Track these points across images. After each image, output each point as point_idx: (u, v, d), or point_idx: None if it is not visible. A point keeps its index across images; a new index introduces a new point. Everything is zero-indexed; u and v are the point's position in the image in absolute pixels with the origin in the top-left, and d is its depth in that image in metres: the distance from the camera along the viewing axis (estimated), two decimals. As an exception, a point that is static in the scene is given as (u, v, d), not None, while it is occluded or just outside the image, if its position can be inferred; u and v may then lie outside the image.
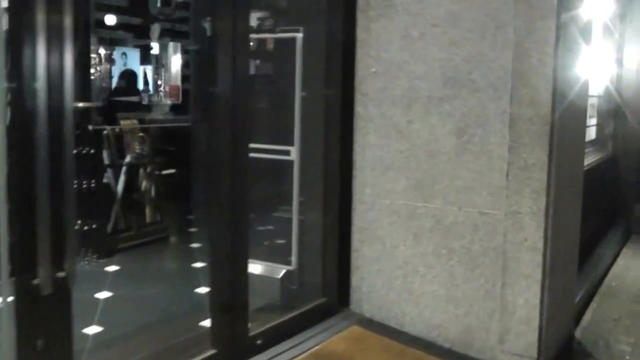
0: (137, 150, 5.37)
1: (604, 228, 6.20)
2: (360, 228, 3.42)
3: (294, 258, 3.57)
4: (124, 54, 11.15)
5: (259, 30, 3.60)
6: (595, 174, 5.67)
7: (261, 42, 3.66)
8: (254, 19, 3.60)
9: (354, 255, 3.46)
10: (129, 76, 6.89)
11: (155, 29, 8.53)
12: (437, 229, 3.22)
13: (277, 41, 3.59)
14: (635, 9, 6.68)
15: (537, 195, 3.00)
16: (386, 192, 3.33)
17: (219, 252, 2.84)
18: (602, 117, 6.82)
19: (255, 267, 3.64)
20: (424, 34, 3.18)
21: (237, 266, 2.88)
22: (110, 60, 9.94)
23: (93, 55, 10.56)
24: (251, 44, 3.46)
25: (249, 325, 2.97)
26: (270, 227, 3.78)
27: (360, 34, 3.34)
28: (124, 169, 5.28)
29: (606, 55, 6.46)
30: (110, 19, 8.51)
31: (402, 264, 3.32)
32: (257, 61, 3.74)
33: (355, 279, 3.47)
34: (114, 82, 8.98)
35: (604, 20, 5.94)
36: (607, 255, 5.38)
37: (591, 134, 6.54)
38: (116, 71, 10.91)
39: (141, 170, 5.39)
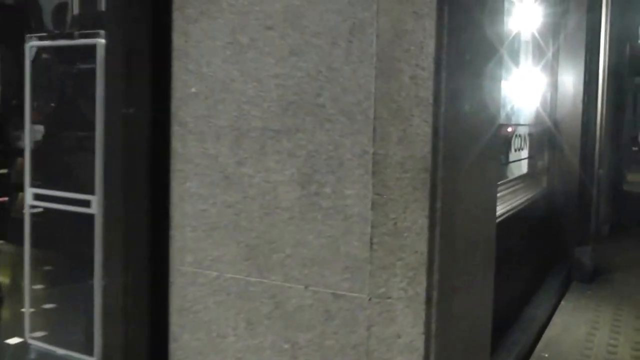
0: None
1: (539, 278, 5.07)
2: (180, 309, 2.29)
3: (97, 346, 2.42)
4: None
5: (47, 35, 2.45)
6: (527, 214, 4.60)
7: (48, 52, 2.51)
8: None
9: (172, 346, 2.32)
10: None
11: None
12: (277, 314, 2.10)
13: (71, 50, 2.46)
14: (569, 25, 5.55)
15: (415, 272, 1.92)
16: (211, 261, 2.21)
17: None
18: (535, 148, 5.75)
19: (48, 358, 2.50)
20: (255, 39, 2.08)
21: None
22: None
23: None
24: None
25: None
26: (75, 303, 2.63)
27: (177, 40, 2.22)
28: None
29: (537, 76, 5.44)
30: None
31: (233, 360, 2.20)
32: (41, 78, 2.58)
33: (175, 378, 2.33)
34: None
35: (532, 33, 4.89)
36: (539, 315, 4.22)
37: (522, 168, 5.51)
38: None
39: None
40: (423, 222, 1.89)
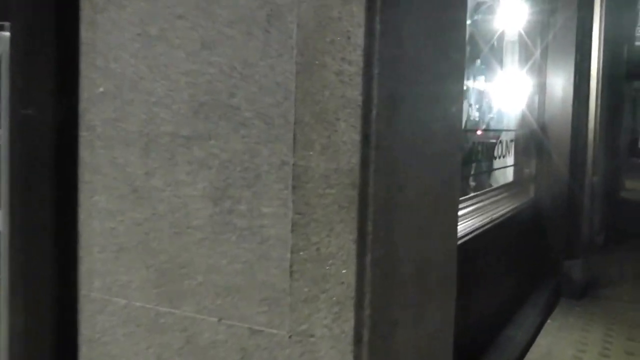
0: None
1: (524, 294, 4.60)
2: (89, 339, 1.92)
3: (3, 376, 2.07)
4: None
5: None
6: (511, 225, 4.18)
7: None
8: None
9: (82, 382, 1.96)
10: None
11: None
12: (189, 350, 1.73)
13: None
14: (558, 23, 5.06)
15: (340, 307, 1.54)
16: (120, 287, 1.84)
17: None
18: (521, 154, 5.31)
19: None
20: (165, 30, 1.71)
21: None
22: None
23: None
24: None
25: None
26: None
27: (84, 31, 1.86)
28: None
29: (523, 77, 5.01)
30: None
31: (145, 401, 1.83)
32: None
33: (86, 418, 1.97)
34: None
35: (517, 32, 4.47)
36: (521, 336, 3.75)
37: (507, 176, 5.09)
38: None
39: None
40: (350, 247, 1.52)
